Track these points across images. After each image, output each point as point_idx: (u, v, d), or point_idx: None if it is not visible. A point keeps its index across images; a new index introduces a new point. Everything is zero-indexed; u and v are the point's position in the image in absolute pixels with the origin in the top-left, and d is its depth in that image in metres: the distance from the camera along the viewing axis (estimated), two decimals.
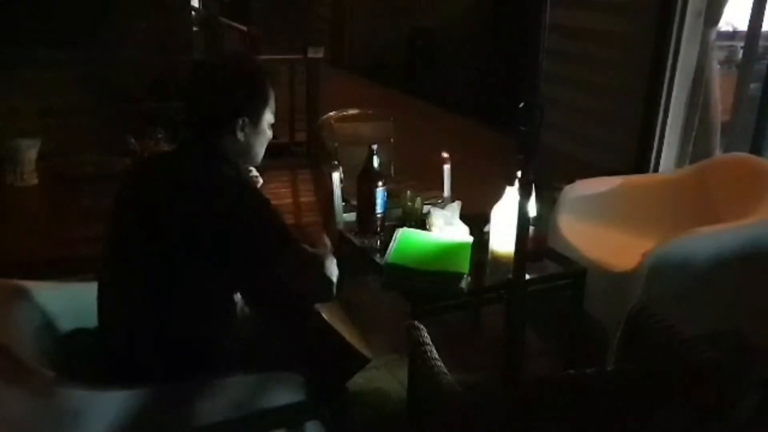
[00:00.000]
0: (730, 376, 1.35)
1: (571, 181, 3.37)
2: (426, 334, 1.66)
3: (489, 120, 6.05)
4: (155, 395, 1.63)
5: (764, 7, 3.75)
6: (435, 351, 1.58)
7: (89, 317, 1.81)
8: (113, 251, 1.81)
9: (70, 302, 1.92)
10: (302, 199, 4.80)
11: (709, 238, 2.67)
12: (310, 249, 1.78)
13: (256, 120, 1.81)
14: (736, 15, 4.03)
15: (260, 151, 1.87)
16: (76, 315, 1.89)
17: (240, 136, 1.78)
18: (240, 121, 1.77)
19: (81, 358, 1.79)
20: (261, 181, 2.02)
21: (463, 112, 6.87)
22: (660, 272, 2.56)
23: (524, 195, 1.72)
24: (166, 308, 1.71)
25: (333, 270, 1.78)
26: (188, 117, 1.82)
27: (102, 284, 1.81)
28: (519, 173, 1.85)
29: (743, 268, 2.72)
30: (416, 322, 1.71)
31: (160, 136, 4.93)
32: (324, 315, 1.87)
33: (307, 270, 1.74)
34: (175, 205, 1.70)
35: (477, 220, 2.61)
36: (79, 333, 1.88)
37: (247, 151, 1.83)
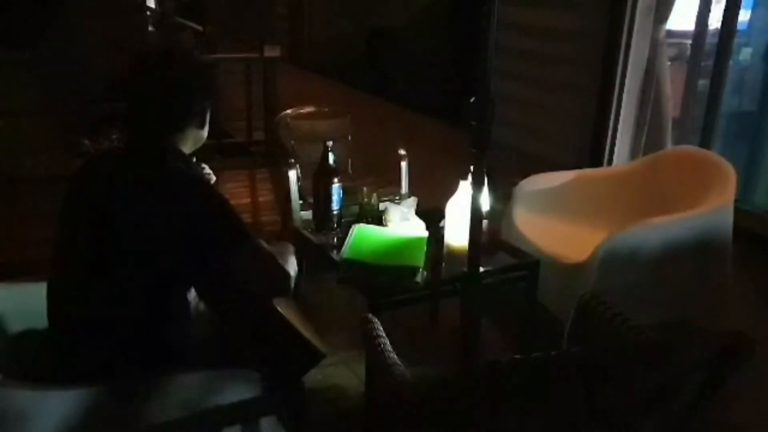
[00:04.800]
0: (675, 357, 1.39)
1: (527, 176, 3.41)
2: (379, 327, 1.66)
3: (447, 117, 6.09)
4: (107, 394, 1.61)
5: (710, 6, 3.86)
6: (388, 343, 1.59)
7: (39, 318, 1.78)
8: (64, 251, 1.78)
9: (19, 303, 1.89)
10: (261, 199, 4.76)
11: (658, 229, 2.71)
12: (266, 245, 1.78)
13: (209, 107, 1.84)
14: (685, 13, 4.12)
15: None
16: (25, 316, 1.86)
17: (206, 127, 1.83)
18: (208, 113, 1.81)
19: (31, 359, 1.76)
20: (214, 177, 2.01)
21: (420, 108, 6.89)
22: (611, 263, 2.60)
23: (477, 189, 1.75)
24: (118, 306, 1.69)
25: (291, 264, 1.78)
26: (150, 118, 1.80)
27: (52, 283, 1.78)
28: (472, 168, 1.87)
29: (693, 258, 2.77)
30: (369, 315, 1.72)
31: (114, 136, 4.84)
32: (279, 310, 1.86)
33: (263, 263, 1.74)
34: (127, 204, 1.68)
35: (434, 215, 2.62)
36: (28, 334, 1.85)
37: (203, 137, 1.86)
